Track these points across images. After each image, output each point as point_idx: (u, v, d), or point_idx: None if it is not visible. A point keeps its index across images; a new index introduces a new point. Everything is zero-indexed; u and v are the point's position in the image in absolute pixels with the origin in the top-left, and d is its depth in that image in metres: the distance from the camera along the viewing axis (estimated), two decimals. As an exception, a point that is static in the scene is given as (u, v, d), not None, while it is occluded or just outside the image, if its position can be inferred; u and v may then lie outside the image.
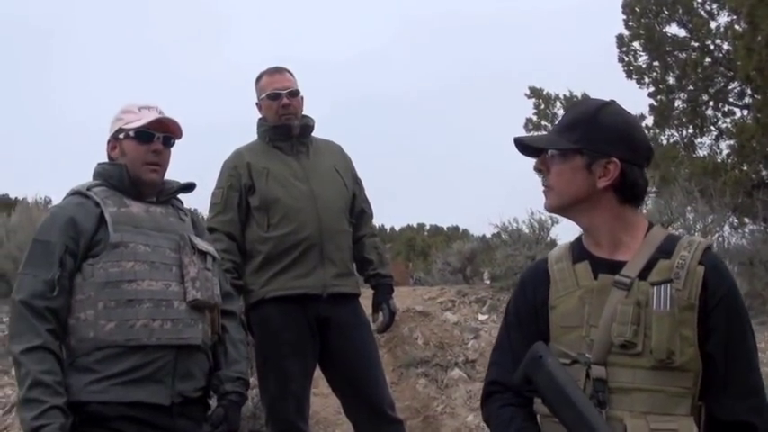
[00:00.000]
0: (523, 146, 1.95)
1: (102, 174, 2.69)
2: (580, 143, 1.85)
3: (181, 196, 2.85)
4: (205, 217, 3.76)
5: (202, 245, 2.70)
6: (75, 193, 2.65)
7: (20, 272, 2.53)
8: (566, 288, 1.87)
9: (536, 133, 16.76)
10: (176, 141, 2.75)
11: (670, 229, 8.45)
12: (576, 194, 1.87)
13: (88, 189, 2.64)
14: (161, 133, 2.68)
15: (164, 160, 2.70)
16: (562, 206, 1.91)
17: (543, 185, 1.93)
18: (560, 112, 16.75)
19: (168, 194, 2.76)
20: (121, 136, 2.68)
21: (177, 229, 2.67)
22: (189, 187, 2.83)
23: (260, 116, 3.69)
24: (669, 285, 1.75)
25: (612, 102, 1.93)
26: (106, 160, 2.74)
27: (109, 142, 2.73)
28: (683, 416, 1.73)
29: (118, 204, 2.60)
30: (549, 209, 1.95)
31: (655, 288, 1.76)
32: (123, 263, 2.51)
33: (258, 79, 3.68)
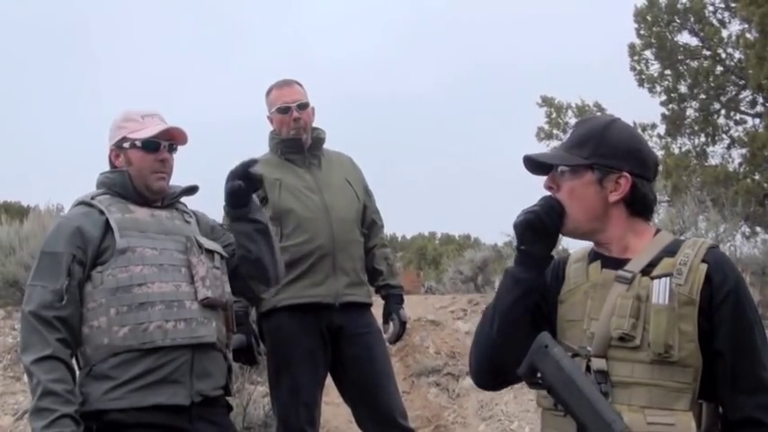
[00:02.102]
0: (533, 163, 1.96)
1: (105, 182, 2.72)
2: (591, 159, 1.88)
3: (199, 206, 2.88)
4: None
5: (209, 244, 2.71)
6: (80, 203, 2.68)
7: (28, 284, 2.55)
8: (576, 284, 1.91)
9: (548, 143, 16.78)
10: (179, 147, 2.77)
11: (682, 237, 8.43)
12: (589, 211, 1.88)
13: (92, 198, 2.66)
14: (166, 141, 2.70)
15: (169, 168, 2.73)
16: (578, 228, 1.91)
17: None
18: (572, 121, 16.76)
19: (172, 198, 2.78)
20: (126, 145, 2.70)
21: (183, 231, 2.69)
22: (192, 190, 2.85)
23: (272, 129, 3.71)
24: (669, 279, 1.77)
25: (618, 118, 1.97)
26: (108, 169, 2.76)
27: (112, 150, 2.74)
28: (681, 411, 1.74)
29: (122, 211, 2.62)
30: (566, 234, 1.94)
31: (654, 282, 1.78)
32: (132, 267, 2.53)
33: (268, 93, 3.71)
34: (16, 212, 13.03)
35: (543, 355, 1.76)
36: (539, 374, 1.78)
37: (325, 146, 3.75)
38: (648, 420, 1.71)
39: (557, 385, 1.74)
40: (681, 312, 1.75)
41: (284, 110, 3.61)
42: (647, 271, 1.81)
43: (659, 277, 1.78)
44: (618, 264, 1.86)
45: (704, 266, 1.79)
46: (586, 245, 1.99)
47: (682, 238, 1.99)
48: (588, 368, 1.78)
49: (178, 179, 2.82)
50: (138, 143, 2.67)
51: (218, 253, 2.72)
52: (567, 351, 1.80)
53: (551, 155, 2.00)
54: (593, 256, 1.94)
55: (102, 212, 2.60)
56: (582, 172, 1.88)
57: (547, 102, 17.36)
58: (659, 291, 1.77)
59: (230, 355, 2.78)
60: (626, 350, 1.77)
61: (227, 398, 2.75)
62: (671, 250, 1.84)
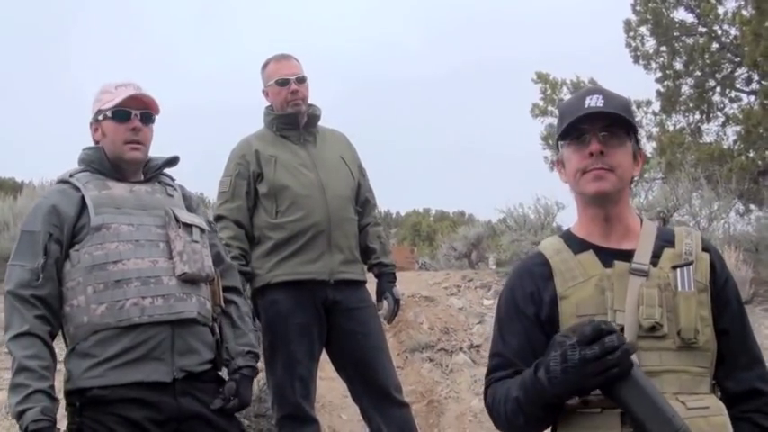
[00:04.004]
0: (571, 126, 1.89)
1: (84, 159, 2.69)
2: (635, 129, 1.92)
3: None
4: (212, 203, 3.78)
5: (187, 217, 2.67)
6: (60, 180, 2.68)
7: (9, 263, 2.56)
8: (574, 278, 1.87)
9: (543, 120, 16.75)
10: (156, 118, 2.72)
11: (676, 215, 8.47)
12: (627, 179, 1.91)
13: (71, 175, 2.65)
14: (138, 110, 2.65)
15: (144, 138, 2.67)
16: (618, 189, 1.89)
17: (596, 168, 1.86)
18: (567, 98, 16.66)
19: (154, 171, 2.75)
20: (100, 117, 2.67)
21: (163, 205, 2.66)
22: (173, 161, 2.81)
23: (267, 104, 3.71)
24: (691, 268, 1.83)
25: None
26: (92, 144, 2.73)
27: (91, 125, 2.72)
28: (705, 394, 1.80)
29: (99, 187, 2.60)
30: (606, 192, 1.87)
31: (678, 271, 1.83)
32: (107, 245, 2.52)
33: (264, 66, 3.70)
34: (10, 188, 13.02)
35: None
36: None
37: (320, 123, 3.74)
38: (689, 406, 1.75)
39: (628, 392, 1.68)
40: (699, 299, 1.82)
41: (283, 82, 3.60)
42: (653, 262, 1.85)
43: (681, 266, 1.83)
44: (617, 255, 1.87)
45: (706, 255, 1.88)
46: (551, 238, 2.02)
47: (658, 224, 2.03)
48: None
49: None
50: (109, 113, 2.64)
51: (196, 226, 2.68)
52: None
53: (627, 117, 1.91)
54: (578, 246, 1.92)
55: (78, 189, 2.59)
56: (625, 140, 1.89)
57: (542, 78, 17.28)
58: (684, 279, 1.82)
59: (218, 329, 2.76)
60: (652, 339, 1.79)
61: (217, 372, 2.73)
62: (667, 240, 1.90)
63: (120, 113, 2.63)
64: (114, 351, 2.47)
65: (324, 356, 3.66)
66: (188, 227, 2.65)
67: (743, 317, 1.93)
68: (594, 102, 1.87)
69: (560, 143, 1.95)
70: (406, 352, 6.62)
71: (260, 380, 5.00)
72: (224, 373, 2.75)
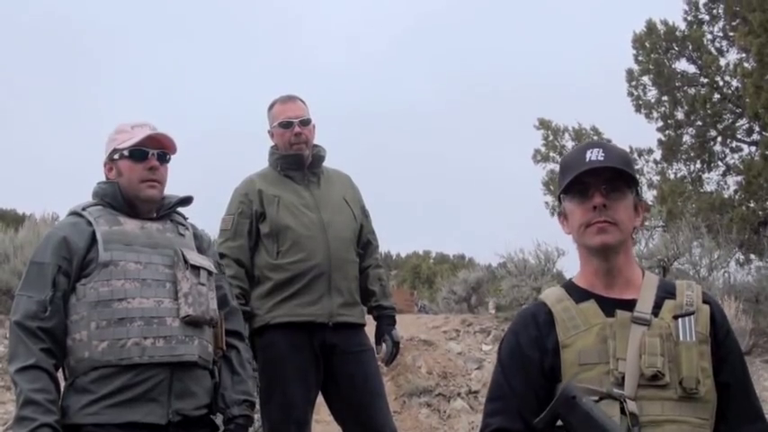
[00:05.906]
0: (578, 179, 1.93)
1: (98, 193, 2.71)
2: (635, 182, 1.95)
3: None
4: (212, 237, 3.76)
5: (196, 259, 2.67)
6: (71, 213, 2.68)
7: (16, 293, 2.56)
8: (575, 327, 1.89)
9: (544, 165, 16.82)
10: (171, 157, 2.74)
11: (676, 263, 8.47)
12: (630, 231, 1.93)
13: (83, 208, 2.66)
14: (155, 149, 2.67)
15: (161, 176, 2.70)
16: (621, 242, 1.92)
17: (599, 221, 1.90)
18: (569, 144, 16.80)
19: (167, 209, 2.76)
20: (116, 156, 2.68)
21: (173, 245, 2.66)
22: (187, 200, 2.82)
23: (272, 144, 3.72)
24: (693, 318, 1.84)
25: None
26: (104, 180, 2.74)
27: (105, 164, 2.73)
28: None
29: (111, 223, 2.61)
30: (609, 244, 1.91)
31: (680, 321, 1.84)
32: (113, 282, 2.51)
33: (270, 107, 3.72)
34: (11, 220, 13.05)
35: (571, 407, 1.73)
36: (559, 424, 1.76)
37: (325, 163, 3.76)
38: None
39: None
40: (700, 350, 1.83)
41: (286, 124, 3.62)
42: (654, 312, 1.87)
43: (682, 316, 1.84)
44: (619, 304, 1.89)
45: (707, 307, 1.89)
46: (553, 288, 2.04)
47: (658, 275, 2.06)
48: (623, 411, 1.78)
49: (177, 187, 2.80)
50: (126, 152, 2.66)
51: (204, 269, 2.68)
52: (593, 395, 1.79)
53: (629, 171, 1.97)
54: (579, 296, 1.94)
55: (90, 223, 2.59)
56: (627, 193, 1.92)
57: (544, 124, 17.40)
58: (686, 329, 1.83)
59: (217, 373, 2.74)
60: (655, 388, 1.79)
61: (211, 416, 2.70)
62: (668, 291, 1.91)
63: (137, 153, 2.66)
64: (112, 389, 2.45)
65: (319, 399, 3.63)
66: (196, 269, 2.65)
67: (744, 370, 1.93)
68: (595, 155, 1.91)
69: (562, 196, 1.98)
70: (403, 396, 6.58)
71: (256, 421, 4.97)
72: (218, 418, 2.72)
